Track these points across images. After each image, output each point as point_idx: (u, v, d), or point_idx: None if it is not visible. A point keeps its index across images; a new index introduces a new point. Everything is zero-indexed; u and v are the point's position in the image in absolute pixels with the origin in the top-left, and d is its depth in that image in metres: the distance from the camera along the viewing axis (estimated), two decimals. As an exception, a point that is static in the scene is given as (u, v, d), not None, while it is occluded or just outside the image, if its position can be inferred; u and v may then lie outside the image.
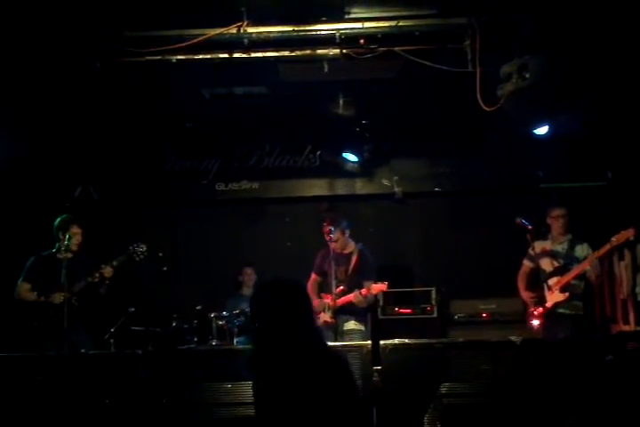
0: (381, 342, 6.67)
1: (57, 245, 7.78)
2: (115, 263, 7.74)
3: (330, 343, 7.14)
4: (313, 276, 8.48)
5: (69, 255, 7.50)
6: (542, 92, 6.76)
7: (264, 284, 3.98)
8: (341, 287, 8.07)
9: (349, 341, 7.73)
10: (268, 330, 3.73)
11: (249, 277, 9.40)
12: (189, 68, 7.28)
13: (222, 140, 9.98)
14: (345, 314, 8.11)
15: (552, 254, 8.12)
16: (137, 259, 7.85)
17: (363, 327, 8.14)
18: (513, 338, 6.77)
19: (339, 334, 8.03)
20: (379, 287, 7.84)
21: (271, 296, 3.80)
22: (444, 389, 6.42)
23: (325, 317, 8.10)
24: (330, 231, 8.07)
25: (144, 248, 7.84)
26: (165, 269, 8.48)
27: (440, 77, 7.38)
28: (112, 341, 8.15)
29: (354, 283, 8.06)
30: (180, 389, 6.53)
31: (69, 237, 7.56)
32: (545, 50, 6.67)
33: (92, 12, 6.66)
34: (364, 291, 7.87)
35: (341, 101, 8.65)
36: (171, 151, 10.05)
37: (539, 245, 8.15)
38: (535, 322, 7.94)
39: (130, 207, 9.92)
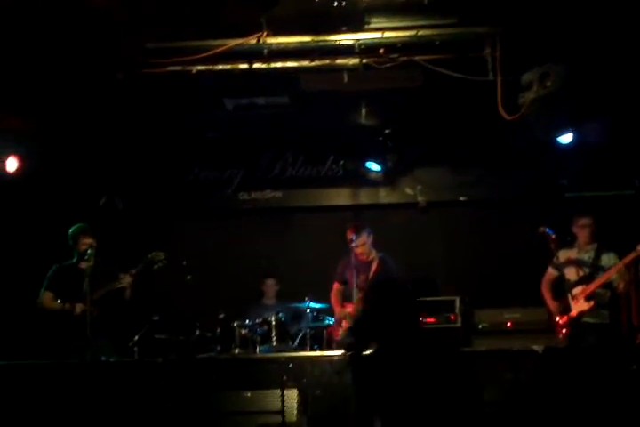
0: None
1: (75, 254, 7.86)
2: (133, 271, 7.77)
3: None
4: (335, 285, 8.55)
5: (91, 263, 7.55)
6: (564, 100, 6.73)
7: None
8: (362, 295, 8.08)
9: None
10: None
11: (269, 288, 9.43)
12: (211, 78, 7.34)
13: (245, 150, 10.03)
14: (367, 322, 8.14)
15: (577, 263, 8.05)
16: (155, 267, 7.83)
17: (384, 335, 8.13)
18: (535, 347, 6.75)
19: (360, 342, 8.04)
20: None
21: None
22: (466, 398, 6.40)
23: (347, 325, 8.13)
24: (352, 240, 8.10)
25: (162, 256, 7.83)
26: (189, 277, 8.51)
27: (462, 86, 7.35)
28: (136, 349, 8.18)
29: (374, 290, 8.05)
30: (199, 397, 6.57)
31: (89, 247, 7.61)
32: (566, 58, 6.65)
33: (115, 24, 6.72)
34: None
35: (364, 111, 8.63)
36: (194, 161, 10.11)
37: (563, 254, 8.09)
38: (561, 331, 7.89)
39: (154, 217, 9.98)
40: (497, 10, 6.70)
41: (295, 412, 6.29)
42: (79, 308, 7.54)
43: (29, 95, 7.51)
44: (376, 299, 4.49)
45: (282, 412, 6.28)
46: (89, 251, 7.55)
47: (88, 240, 7.75)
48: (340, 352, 7.22)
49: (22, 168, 8.27)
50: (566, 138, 7.74)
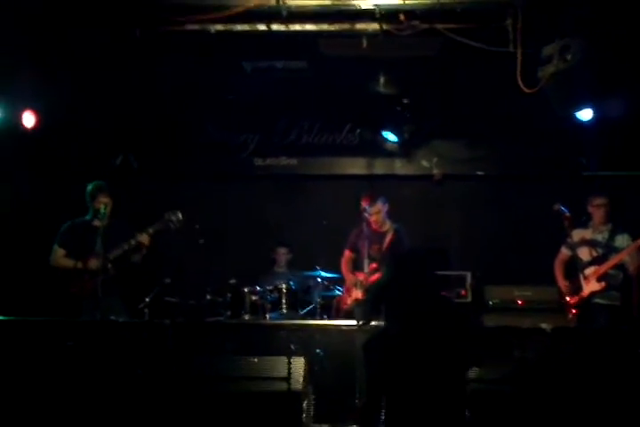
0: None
1: (90, 211, 7.84)
2: (150, 231, 7.72)
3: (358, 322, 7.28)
4: (346, 252, 8.57)
5: (105, 222, 7.57)
6: (583, 75, 6.65)
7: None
8: (374, 265, 8.08)
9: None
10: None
11: (281, 256, 9.46)
12: (231, 39, 7.30)
13: (262, 115, 9.97)
14: (377, 292, 8.12)
15: (591, 243, 8.03)
16: (172, 226, 7.77)
17: (394, 306, 8.11)
18: (543, 326, 6.71)
19: (369, 311, 8.05)
20: None
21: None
22: (471, 374, 6.38)
23: (357, 293, 8.19)
24: (366, 209, 8.07)
25: (180, 216, 7.76)
26: (202, 241, 8.51)
27: (482, 57, 7.26)
28: (146, 310, 8.20)
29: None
30: (205, 360, 6.58)
31: (104, 206, 7.62)
32: (588, 31, 6.55)
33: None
34: None
35: (382, 80, 8.59)
36: (210, 123, 10.07)
37: (578, 234, 8.06)
38: (571, 311, 7.86)
39: (168, 178, 9.98)
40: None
41: (301, 380, 6.27)
42: (93, 263, 7.53)
43: (47, 50, 7.49)
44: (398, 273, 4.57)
45: (288, 379, 6.28)
46: (102, 210, 7.58)
47: (105, 199, 7.73)
48: (349, 322, 7.27)
49: (39, 124, 8.26)
50: (586, 114, 7.68)
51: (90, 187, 7.86)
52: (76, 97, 8.75)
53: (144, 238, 7.72)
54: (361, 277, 8.13)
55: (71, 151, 9.50)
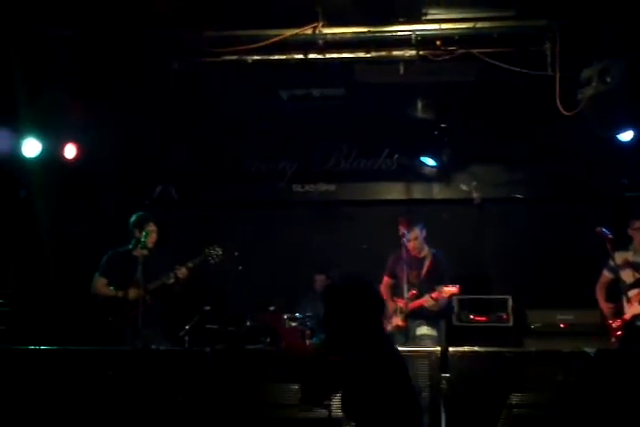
0: (451, 349, 6.59)
1: (133, 241, 7.87)
2: (190, 265, 7.79)
3: (400, 348, 7.21)
4: (385, 279, 8.47)
5: (145, 252, 7.57)
6: (623, 96, 6.61)
7: (335, 285, 4.22)
8: (414, 291, 8.03)
9: (420, 346, 7.65)
10: (338, 331, 4.05)
11: (320, 283, 9.46)
12: (267, 68, 7.34)
13: (300, 142, 10.03)
14: (417, 318, 8.07)
15: (633, 266, 7.92)
16: (212, 262, 7.86)
17: (435, 333, 8.07)
18: (587, 349, 6.61)
19: (410, 338, 7.99)
20: (450, 291, 7.77)
21: (342, 299, 4.05)
22: (514, 399, 6.30)
23: (397, 320, 8.10)
24: (404, 234, 8.04)
25: (220, 251, 7.86)
26: (241, 268, 8.53)
27: (520, 80, 7.25)
28: (187, 338, 8.21)
29: (426, 287, 8.01)
30: (246, 388, 6.57)
31: (146, 234, 7.65)
32: (626, 54, 6.52)
33: (170, 13, 6.76)
34: (434, 294, 7.82)
35: (420, 105, 8.59)
36: (248, 152, 10.15)
37: (620, 256, 7.96)
38: (615, 334, 7.77)
39: (208, 207, 10.05)
40: (556, 3, 6.61)
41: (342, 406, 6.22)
42: (133, 293, 7.56)
43: (89, 83, 7.58)
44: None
45: (329, 406, 6.23)
46: (143, 239, 7.58)
47: (152, 227, 7.80)
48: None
49: (80, 156, 8.38)
50: (627, 135, 7.61)
51: (135, 216, 7.94)
52: (116, 128, 8.86)
53: (182, 272, 7.79)
54: (401, 303, 8.08)
55: (111, 182, 9.60)
